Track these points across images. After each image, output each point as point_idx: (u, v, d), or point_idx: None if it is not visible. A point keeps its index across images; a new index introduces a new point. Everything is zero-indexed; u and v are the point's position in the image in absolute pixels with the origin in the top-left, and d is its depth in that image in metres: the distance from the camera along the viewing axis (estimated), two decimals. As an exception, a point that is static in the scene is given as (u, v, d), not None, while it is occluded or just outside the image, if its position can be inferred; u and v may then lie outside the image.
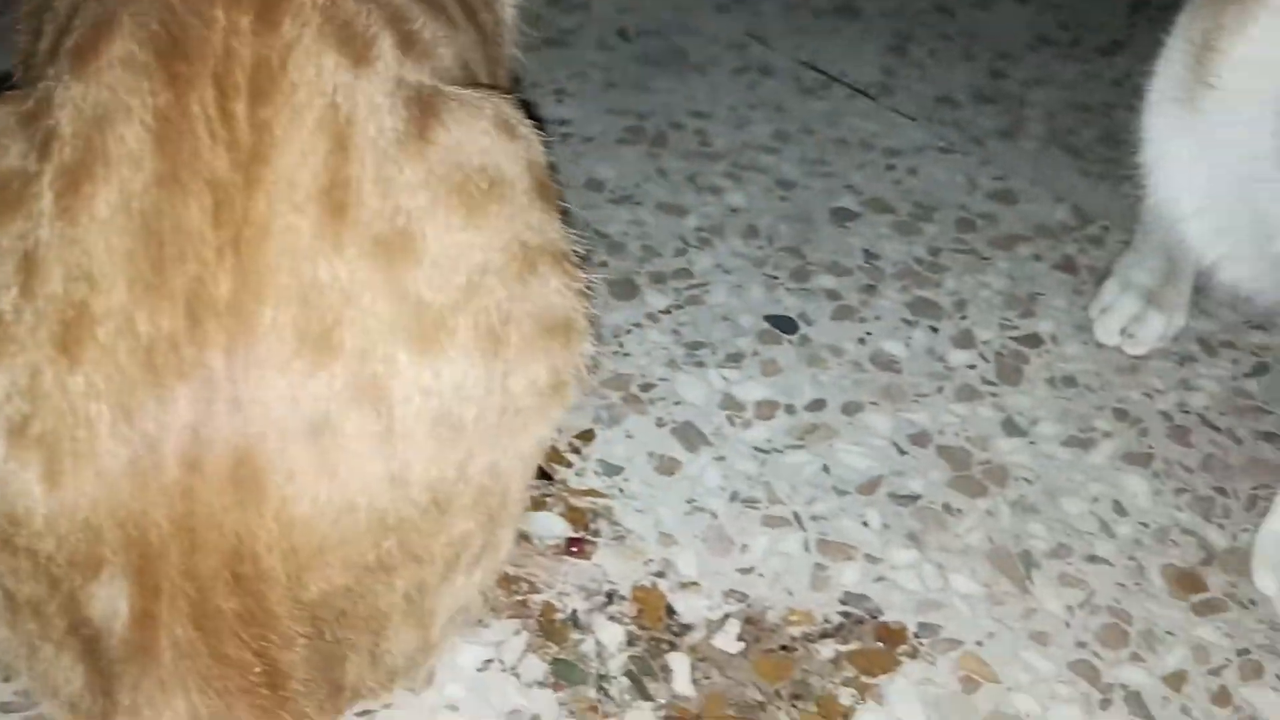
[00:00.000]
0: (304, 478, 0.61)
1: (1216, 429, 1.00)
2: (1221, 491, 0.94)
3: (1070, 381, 1.04)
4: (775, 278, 1.12)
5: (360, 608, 0.67)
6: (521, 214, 0.69)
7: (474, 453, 0.67)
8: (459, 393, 0.65)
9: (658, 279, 1.11)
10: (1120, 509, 0.93)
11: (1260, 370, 1.06)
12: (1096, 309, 1.08)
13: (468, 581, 0.73)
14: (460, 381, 0.65)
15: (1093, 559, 0.89)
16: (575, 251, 0.73)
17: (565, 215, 0.74)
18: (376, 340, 0.62)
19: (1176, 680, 0.81)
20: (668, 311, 1.08)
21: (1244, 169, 0.90)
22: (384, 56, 0.66)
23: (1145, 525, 0.92)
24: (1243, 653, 0.83)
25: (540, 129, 0.72)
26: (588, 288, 0.74)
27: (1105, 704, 0.80)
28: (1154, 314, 1.05)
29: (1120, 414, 1.01)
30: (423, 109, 0.66)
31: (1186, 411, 1.01)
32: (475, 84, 0.75)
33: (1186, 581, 0.88)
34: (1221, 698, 0.81)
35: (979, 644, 0.83)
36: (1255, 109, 0.90)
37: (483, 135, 0.68)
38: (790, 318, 1.08)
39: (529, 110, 0.74)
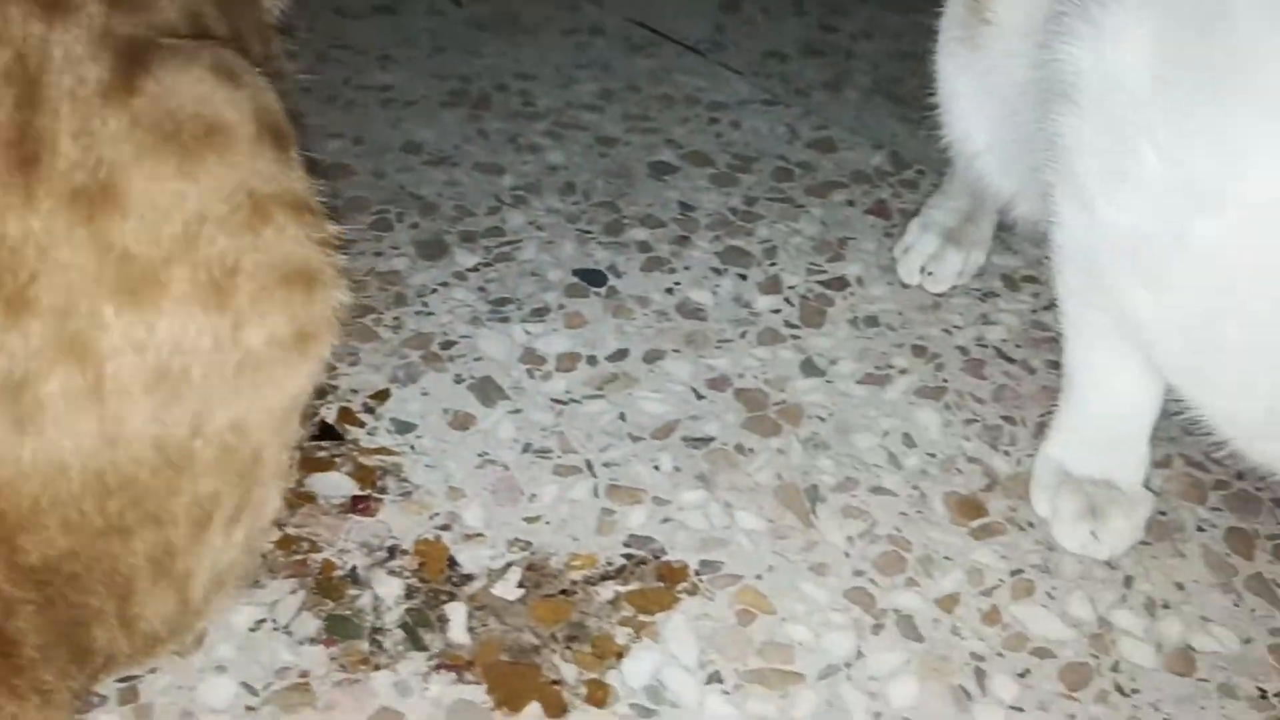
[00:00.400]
0: (3, 440, 0.60)
1: (1011, 360, 1.02)
2: (1010, 420, 0.97)
3: (872, 321, 1.06)
4: (588, 233, 1.13)
5: (96, 571, 0.66)
6: (247, 162, 0.68)
7: (208, 409, 0.66)
8: (179, 347, 0.64)
9: (468, 238, 1.11)
10: (910, 441, 0.95)
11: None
12: (900, 250, 1.10)
13: (227, 542, 0.73)
14: (179, 336, 0.64)
15: (878, 490, 0.91)
16: (319, 201, 0.73)
17: (313, 165, 0.74)
18: (79, 296, 0.61)
19: (950, 602, 0.83)
20: (476, 269, 1.08)
21: (1013, 102, 0.92)
22: (87, 7, 0.65)
23: (933, 456, 0.94)
24: (1016, 573, 0.86)
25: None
26: (339, 238, 0.74)
27: (877, 628, 0.81)
28: (952, 252, 1.07)
29: (919, 350, 1.03)
30: (131, 59, 0.65)
31: (984, 345, 1.03)
32: (209, 36, 0.74)
33: (968, 508, 0.90)
34: (991, 616, 0.83)
35: (758, 578, 0.84)
36: (1021, 42, 0.92)
37: (198, 83, 0.67)
38: (600, 271, 1.09)
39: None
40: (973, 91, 0.99)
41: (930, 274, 1.07)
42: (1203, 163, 0.71)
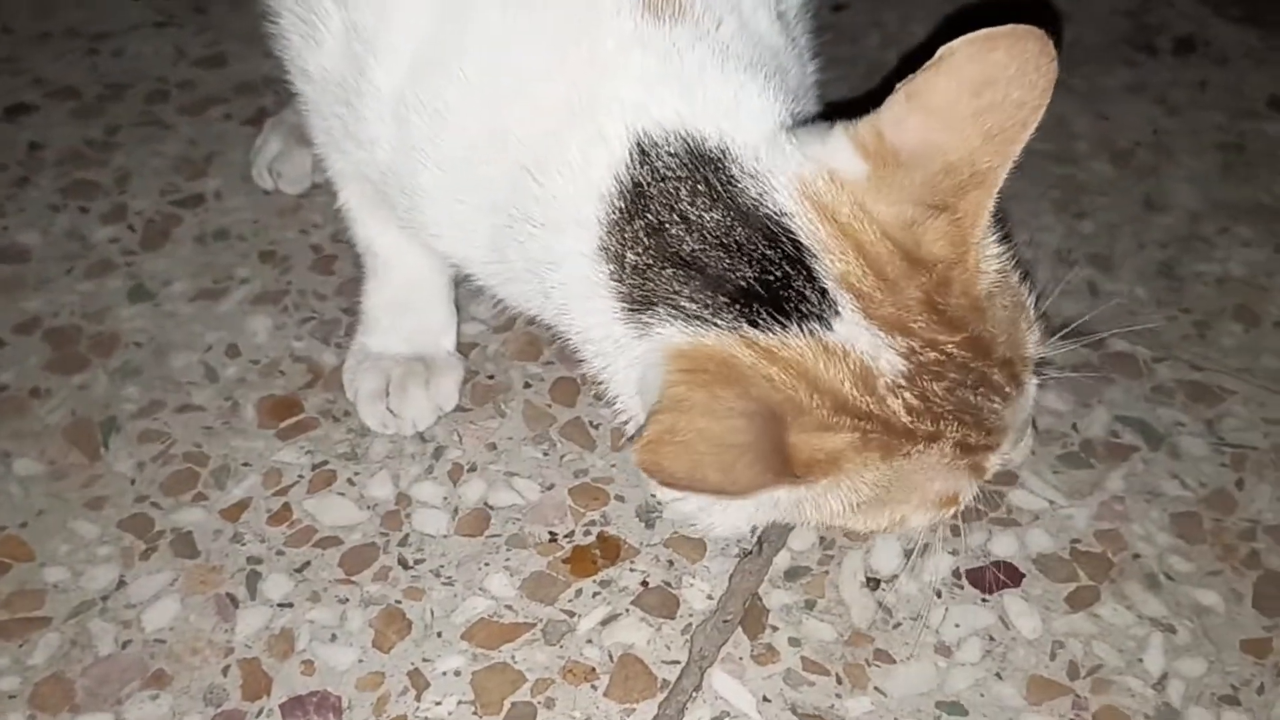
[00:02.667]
0: None
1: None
2: (349, 312, 0.92)
3: (222, 234, 0.99)
4: (-91, 191, 1.02)
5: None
6: None
7: None
8: None
9: None
10: (235, 351, 0.89)
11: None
12: (252, 154, 1.04)
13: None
14: None
15: (185, 409, 0.85)
16: None
17: None
18: None
19: (237, 510, 0.78)
20: None
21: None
22: None
23: (255, 362, 0.88)
24: (319, 466, 0.81)
25: None
26: None
27: (148, 553, 0.76)
28: (300, 150, 1.01)
29: (266, 256, 0.97)
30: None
31: (339, 241, 0.98)
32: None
33: (281, 409, 0.85)
34: (280, 516, 0.78)
35: (23, 526, 0.77)
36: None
37: None
38: (-87, 229, 0.98)
39: None
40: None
41: (280, 175, 1.02)
42: (365, 11, 0.68)
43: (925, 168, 0.60)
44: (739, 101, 0.63)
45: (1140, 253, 1.00)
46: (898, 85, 0.60)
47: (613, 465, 0.82)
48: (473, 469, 0.82)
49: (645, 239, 0.61)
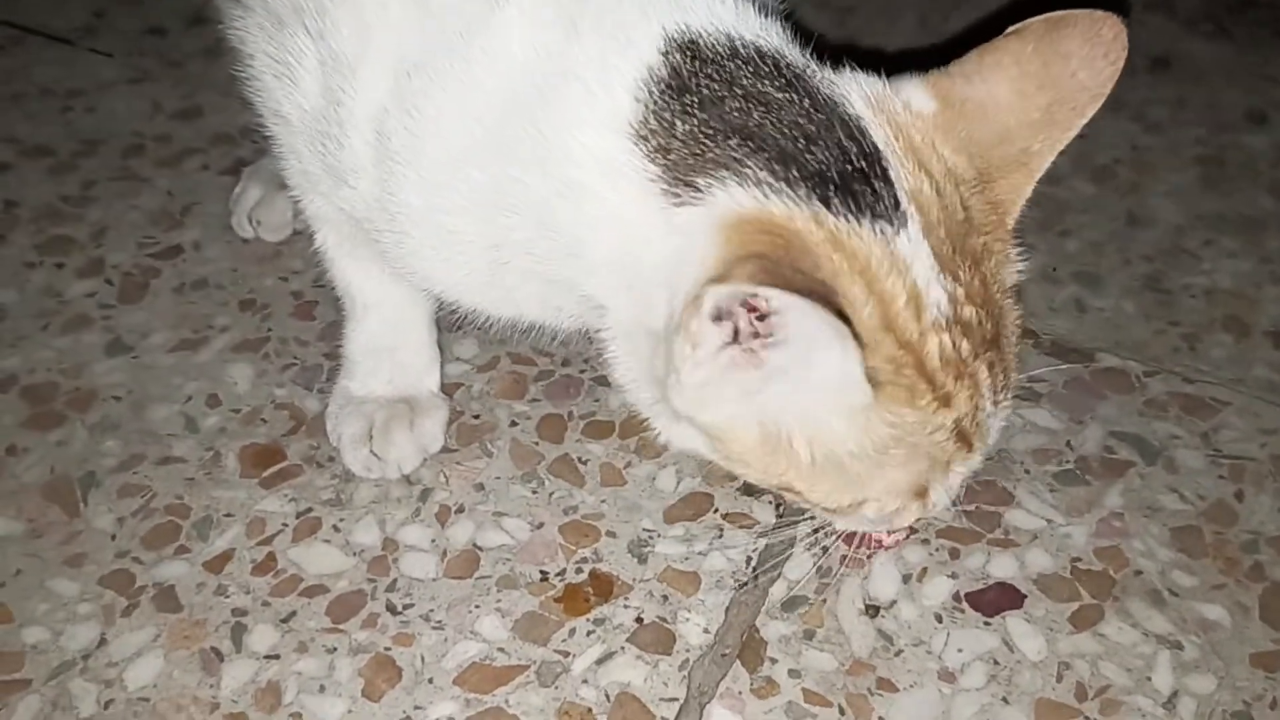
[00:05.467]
0: None
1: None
2: (331, 357, 0.90)
3: (201, 284, 0.98)
4: (-118, 254, 1.01)
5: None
6: None
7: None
8: None
9: None
10: (215, 401, 0.88)
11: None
12: (231, 203, 1.03)
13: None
14: None
15: (165, 461, 0.83)
16: None
17: None
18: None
19: (221, 561, 0.77)
20: None
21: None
22: None
23: (237, 411, 0.87)
24: (304, 513, 0.80)
25: None
26: None
27: (130, 609, 0.74)
28: (280, 197, 1.01)
29: (246, 304, 0.96)
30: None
31: (320, 286, 0.97)
32: None
33: (264, 457, 0.83)
34: (265, 565, 0.76)
35: (1, 586, 0.76)
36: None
37: None
38: (-115, 292, 0.97)
39: None
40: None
41: (260, 223, 1.01)
42: (345, 40, 0.67)
43: (983, 128, 0.60)
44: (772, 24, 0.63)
45: (1126, 268, 1.00)
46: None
47: (603, 501, 0.81)
48: (460, 510, 0.80)
49: (699, 111, 0.58)
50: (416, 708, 0.69)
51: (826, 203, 0.56)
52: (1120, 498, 0.81)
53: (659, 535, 0.79)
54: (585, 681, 0.70)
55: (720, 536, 0.78)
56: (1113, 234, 1.03)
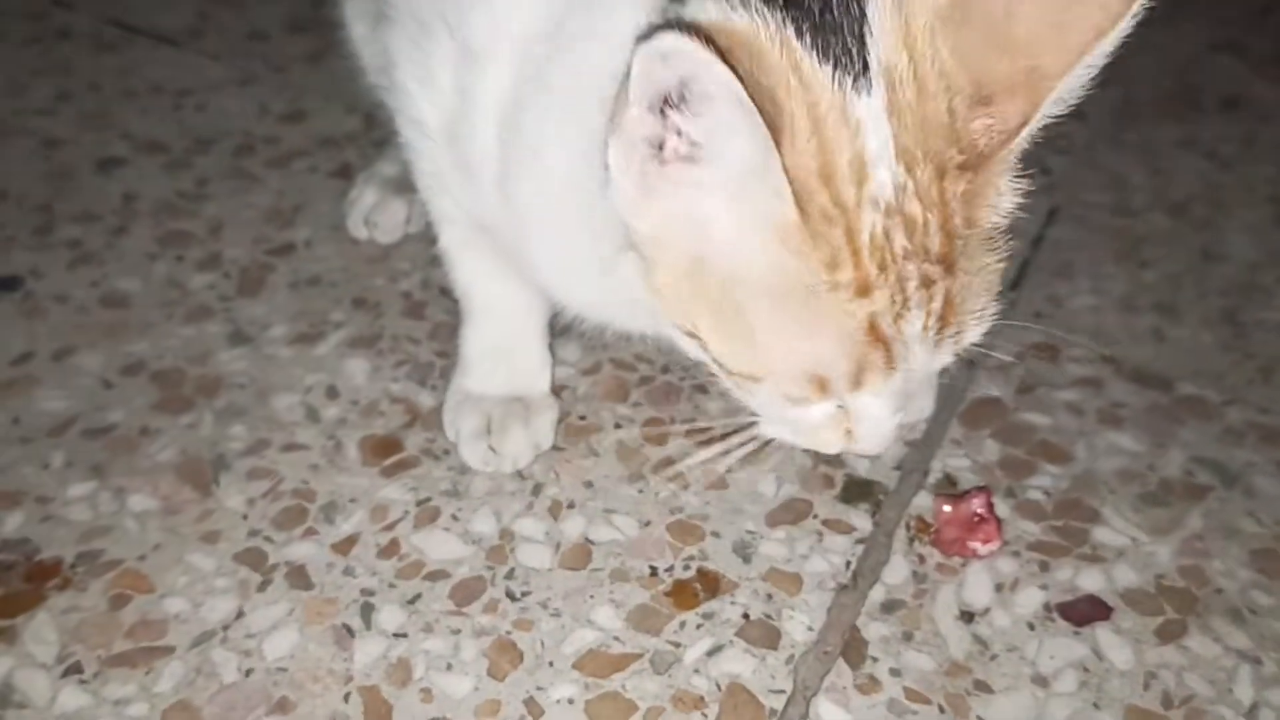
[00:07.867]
0: None
1: (454, 299, 1.01)
2: (443, 355, 0.95)
3: (315, 281, 1.02)
4: (13, 238, 1.06)
5: None
6: None
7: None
8: None
9: None
10: (333, 393, 0.92)
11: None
12: (347, 205, 1.07)
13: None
14: None
15: (290, 448, 0.87)
16: None
17: None
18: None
19: (348, 544, 0.81)
20: (-127, 296, 0.99)
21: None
22: None
23: (355, 403, 0.91)
24: (423, 502, 0.84)
25: None
26: None
27: (265, 585, 0.78)
28: (396, 201, 1.05)
29: (359, 302, 1.00)
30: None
31: (428, 287, 1.02)
32: None
33: (383, 448, 0.88)
34: (389, 550, 0.81)
35: (141, 559, 0.79)
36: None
37: None
38: (18, 276, 1.02)
39: None
40: (358, 17, 0.97)
41: (376, 225, 1.05)
42: (477, 29, 0.69)
43: (990, 36, 0.57)
44: None
45: (1202, 301, 1.04)
46: None
47: (706, 503, 0.85)
48: (571, 505, 0.84)
49: None
50: (539, 688, 0.73)
51: (798, 31, 0.55)
52: (1200, 519, 0.85)
53: (761, 537, 0.83)
54: (697, 671, 0.74)
55: (820, 541, 0.82)
56: (1189, 267, 1.07)
